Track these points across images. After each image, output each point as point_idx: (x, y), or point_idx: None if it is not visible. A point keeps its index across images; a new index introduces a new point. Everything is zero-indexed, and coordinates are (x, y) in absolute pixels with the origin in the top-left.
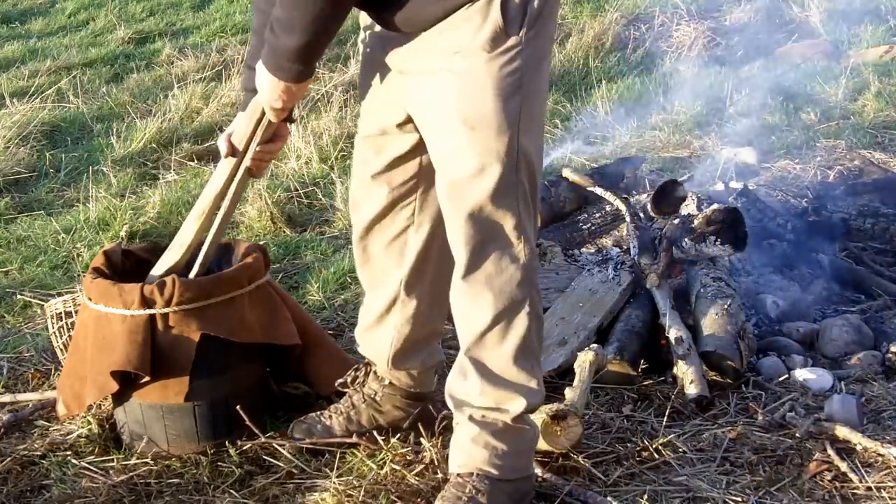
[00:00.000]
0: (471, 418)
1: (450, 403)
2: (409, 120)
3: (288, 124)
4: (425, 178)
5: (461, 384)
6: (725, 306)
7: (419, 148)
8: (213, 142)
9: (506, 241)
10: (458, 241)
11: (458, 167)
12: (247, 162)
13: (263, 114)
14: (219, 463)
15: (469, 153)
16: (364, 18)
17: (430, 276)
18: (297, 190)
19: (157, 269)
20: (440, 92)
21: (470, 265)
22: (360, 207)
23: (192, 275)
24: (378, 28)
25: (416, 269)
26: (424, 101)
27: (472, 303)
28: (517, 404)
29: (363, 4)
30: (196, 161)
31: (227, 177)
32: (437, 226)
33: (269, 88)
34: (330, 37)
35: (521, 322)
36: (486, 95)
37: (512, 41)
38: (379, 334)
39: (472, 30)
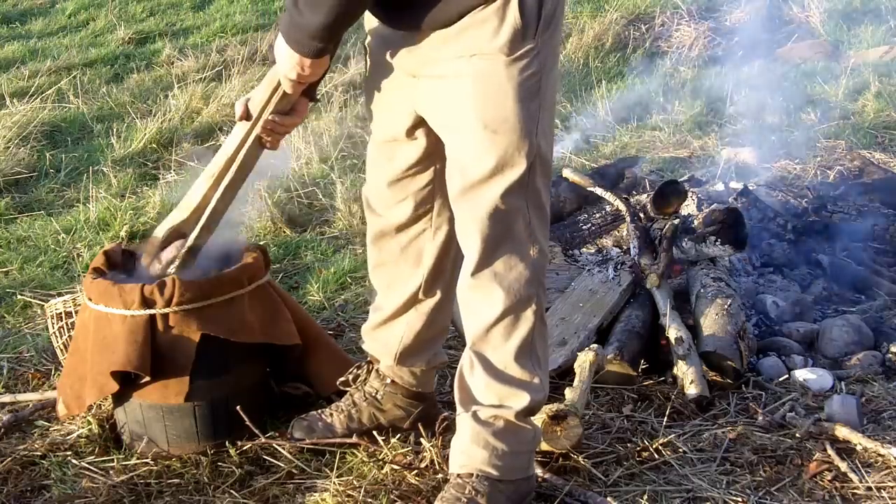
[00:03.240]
0: (474, 416)
1: (457, 397)
2: (417, 125)
3: (309, 102)
4: (441, 183)
5: (469, 377)
6: (725, 306)
7: (432, 155)
8: (213, 142)
9: (517, 240)
10: (471, 239)
11: (477, 169)
12: (258, 129)
13: (280, 83)
14: (219, 463)
15: (488, 156)
16: (371, 22)
17: (447, 276)
18: (297, 190)
19: (161, 228)
20: (458, 94)
21: (481, 262)
22: (379, 212)
23: (191, 239)
24: (387, 31)
25: (434, 271)
26: (441, 103)
27: (481, 298)
28: (520, 400)
29: (376, 6)
30: (196, 161)
31: (239, 141)
32: (454, 228)
33: (286, 59)
34: (354, 19)
35: (526, 319)
36: (507, 99)
37: (530, 44)
38: (390, 331)
39: (490, 32)
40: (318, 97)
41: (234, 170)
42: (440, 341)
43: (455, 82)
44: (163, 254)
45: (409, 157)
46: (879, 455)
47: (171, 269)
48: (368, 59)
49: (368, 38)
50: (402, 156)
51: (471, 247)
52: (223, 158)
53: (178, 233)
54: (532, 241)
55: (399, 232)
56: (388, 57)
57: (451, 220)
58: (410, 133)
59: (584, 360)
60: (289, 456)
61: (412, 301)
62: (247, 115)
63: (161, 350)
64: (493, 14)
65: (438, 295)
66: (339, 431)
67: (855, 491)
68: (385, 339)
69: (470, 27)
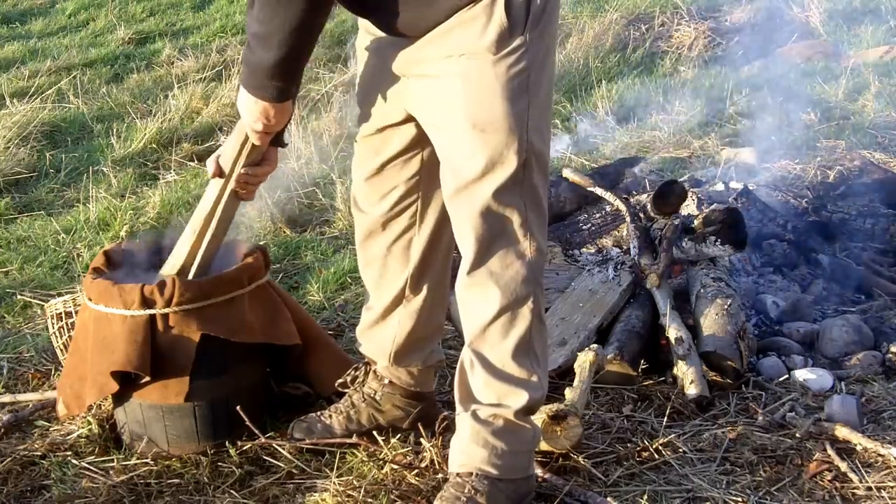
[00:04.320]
0: (474, 414)
1: (456, 396)
2: (406, 121)
3: (278, 149)
4: (426, 176)
5: (469, 376)
6: (725, 306)
7: (416, 145)
8: (213, 142)
9: (512, 238)
10: (466, 238)
11: (468, 168)
12: (231, 184)
13: (248, 137)
14: (219, 463)
15: (479, 155)
16: (363, 22)
17: (434, 272)
18: (297, 190)
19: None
20: (447, 95)
21: (477, 261)
22: (364, 209)
23: None
24: (379, 32)
25: (421, 267)
26: (431, 103)
27: (478, 297)
28: (519, 399)
29: (364, 11)
30: (196, 161)
31: (215, 198)
32: (440, 223)
33: (249, 110)
34: (308, 51)
35: (523, 318)
36: (495, 98)
37: (517, 41)
38: (382, 331)
39: (478, 31)
40: (287, 142)
41: (214, 225)
42: (435, 340)
43: (444, 82)
44: None
45: (395, 147)
46: (879, 455)
47: None
48: (359, 59)
49: (360, 38)
50: (388, 146)
51: (466, 246)
52: (202, 215)
53: None
54: (529, 239)
55: (385, 228)
56: (378, 57)
57: (437, 215)
58: (397, 126)
59: (584, 360)
60: (289, 456)
61: (399, 299)
62: (219, 172)
63: (161, 350)
64: (481, 13)
65: (426, 292)
66: (338, 432)
67: (855, 491)
68: (378, 339)
69: (457, 27)
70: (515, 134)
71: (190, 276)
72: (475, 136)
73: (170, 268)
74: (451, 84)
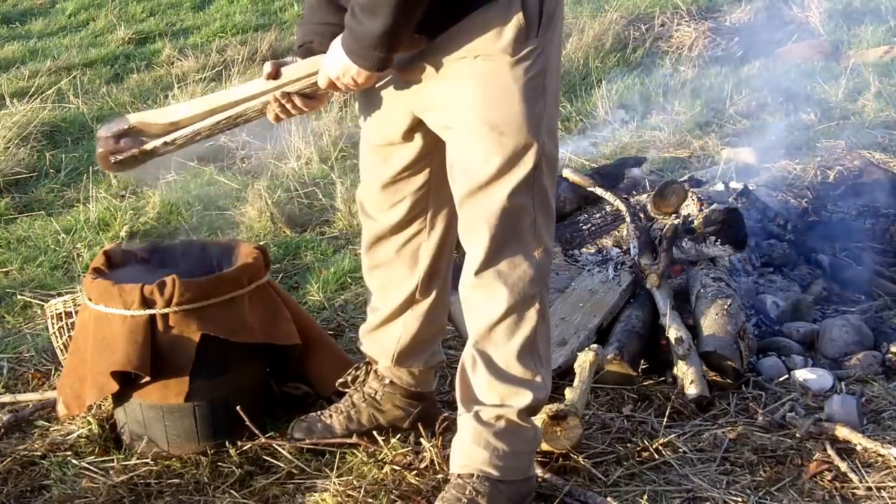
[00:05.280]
0: (476, 416)
1: (458, 395)
2: (414, 127)
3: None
4: (436, 184)
5: (471, 376)
6: (725, 306)
7: (427, 156)
8: (213, 141)
9: (522, 240)
10: (476, 239)
11: (483, 170)
12: (272, 95)
13: (316, 72)
14: (219, 463)
15: (494, 156)
16: None
17: (442, 276)
18: (297, 190)
19: (136, 116)
20: (462, 96)
21: (485, 261)
22: (373, 216)
23: (150, 144)
24: None
25: (430, 271)
26: (443, 104)
27: (484, 297)
28: (522, 399)
29: None
30: (196, 161)
31: (252, 93)
32: (449, 228)
33: (339, 67)
34: (413, 23)
35: (529, 318)
36: (513, 100)
37: (533, 44)
38: (387, 333)
39: (494, 33)
40: None
41: (228, 113)
42: (437, 341)
43: (458, 83)
44: (122, 140)
45: (404, 159)
46: (879, 455)
47: (116, 158)
48: None
49: None
50: (398, 158)
51: (476, 246)
52: (227, 99)
53: (146, 129)
54: (537, 240)
55: (394, 234)
56: None
57: (446, 220)
58: (408, 136)
59: (584, 360)
60: (289, 456)
61: (409, 302)
62: (274, 76)
63: (161, 350)
64: (497, 15)
65: (434, 295)
66: (338, 432)
67: (855, 491)
68: (382, 340)
69: (473, 28)
70: (533, 136)
71: (167, 137)
72: (492, 137)
73: (160, 116)
74: (467, 85)
